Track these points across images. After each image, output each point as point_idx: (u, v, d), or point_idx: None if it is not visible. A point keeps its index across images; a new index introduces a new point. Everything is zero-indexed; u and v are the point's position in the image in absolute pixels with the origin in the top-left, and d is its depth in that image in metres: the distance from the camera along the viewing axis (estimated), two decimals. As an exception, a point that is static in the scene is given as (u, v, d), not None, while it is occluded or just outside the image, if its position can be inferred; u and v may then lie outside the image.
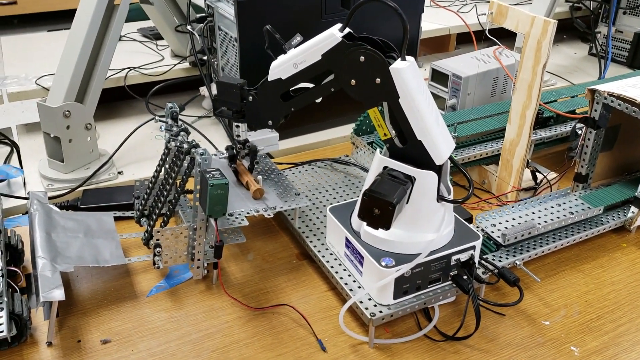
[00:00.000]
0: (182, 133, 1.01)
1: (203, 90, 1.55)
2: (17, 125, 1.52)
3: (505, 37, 1.44)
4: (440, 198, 0.89)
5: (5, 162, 1.37)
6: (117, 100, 1.63)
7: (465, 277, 0.93)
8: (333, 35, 0.87)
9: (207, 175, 0.88)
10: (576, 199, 1.14)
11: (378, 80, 0.85)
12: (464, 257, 0.93)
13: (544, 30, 1.08)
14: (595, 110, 1.12)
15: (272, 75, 0.94)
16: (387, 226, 0.83)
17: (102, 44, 1.26)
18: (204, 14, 1.45)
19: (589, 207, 1.11)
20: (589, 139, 1.16)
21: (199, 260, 1.00)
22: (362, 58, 0.85)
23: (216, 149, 1.41)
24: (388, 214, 0.82)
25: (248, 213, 1.00)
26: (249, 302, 0.99)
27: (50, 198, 1.20)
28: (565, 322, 0.97)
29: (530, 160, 1.26)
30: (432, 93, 1.50)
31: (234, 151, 1.09)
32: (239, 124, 1.05)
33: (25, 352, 0.89)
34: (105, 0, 1.22)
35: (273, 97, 0.96)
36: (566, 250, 1.12)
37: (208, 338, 0.93)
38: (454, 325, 0.94)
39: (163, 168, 1.06)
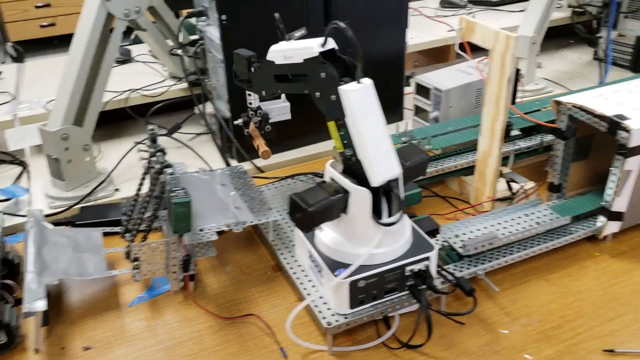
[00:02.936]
0: (158, 154, 1.08)
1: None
2: (31, 147, 1.63)
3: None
4: (374, 217, 0.93)
5: (15, 182, 1.48)
6: (121, 120, 1.73)
7: (420, 287, 0.96)
8: (312, 48, 0.93)
9: (172, 194, 0.95)
10: (545, 209, 1.15)
11: (333, 97, 0.91)
12: (418, 267, 0.96)
13: (506, 46, 1.11)
14: (562, 122, 1.14)
15: (268, 56, 1.01)
16: (305, 229, 0.94)
17: (99, 68, 1.35)
18: (196, 37, 1.53)
19: (557, 217, 1.13)
20: (558, 150, 1.17)
21: (174, 272, 1.07)
22: (322, 75, 0.91)
23: (208, 165, 1.48)
24: (306, 219, 0.90)
25: (218, 228, 1.07)
26: (221, 312, 1.05)
27: (51, 215, 1.30)
28: (523, 331, 0.99)
29: (509, 170, 1.28)
30: (417, 106, 1.55)
31: (247, 117, 1.19)
32: (251, 92, 1.15)
33: (15, 359, 0.98)
34: (99, 27, 1.31)
35: (268, 74, 1.03)
36: (537, 259, 1.14)
37: (180, 345, 0.99)
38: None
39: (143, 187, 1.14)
